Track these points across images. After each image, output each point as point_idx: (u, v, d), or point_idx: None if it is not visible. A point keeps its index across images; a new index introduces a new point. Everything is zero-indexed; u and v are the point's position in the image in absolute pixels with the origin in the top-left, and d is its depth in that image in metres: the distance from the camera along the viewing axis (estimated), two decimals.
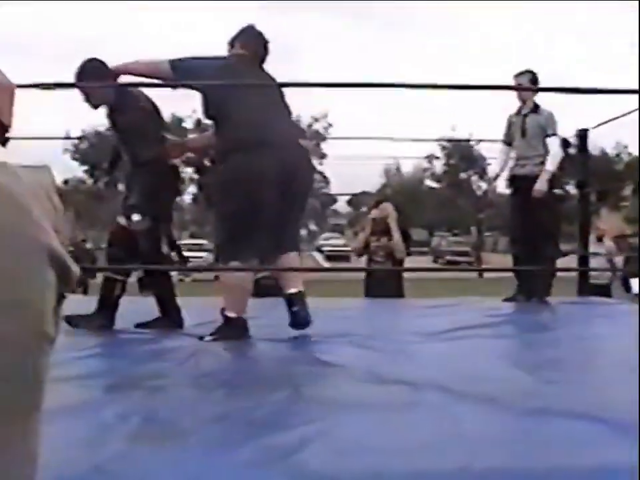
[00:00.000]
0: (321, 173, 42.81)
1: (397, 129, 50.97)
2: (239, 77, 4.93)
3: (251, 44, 5.18)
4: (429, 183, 53.39)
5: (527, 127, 7.52)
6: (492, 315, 5.93)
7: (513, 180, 7.62)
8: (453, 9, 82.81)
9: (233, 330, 4.73)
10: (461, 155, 46.76)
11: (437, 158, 48.34)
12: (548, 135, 7.41)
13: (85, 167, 41.73)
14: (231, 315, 4.77)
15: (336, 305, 7.08)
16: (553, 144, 7.36)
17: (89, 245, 24.05)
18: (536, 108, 7.54)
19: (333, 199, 46.22)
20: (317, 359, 3.98)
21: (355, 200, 54.57)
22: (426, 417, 2.73)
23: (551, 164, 7.31)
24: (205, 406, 2.88)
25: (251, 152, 4.69)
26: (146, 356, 4.17)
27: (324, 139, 41.04)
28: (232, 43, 5.20)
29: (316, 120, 41.85)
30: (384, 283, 8.57)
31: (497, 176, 7.99)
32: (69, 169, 44.98)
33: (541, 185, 7.20)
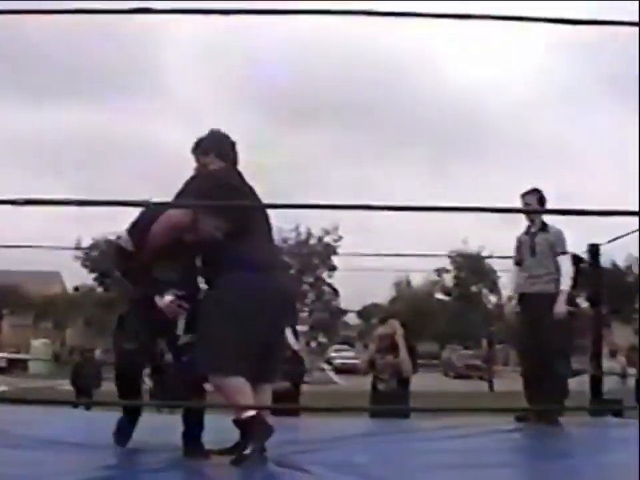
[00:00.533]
0: (330, 285, 42.81)
1: (407, 241, 51.18)
2: (242, 193, 4.82)
3: (228, 153, 5.08)
4: (439, 295, 53.28)
5: (537, 246, 7.39)
6: (502, 440, 5.70)
7: (523, 298, 7.45)
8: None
9: (257, 431, 4.48)
10: (472, 268, 46.77)
11: (447, 271, 48.35)
12: (558, 254, 7.28)
13: (95, 275, 41.79)
14: (244, 416, 4.51)
15: (336, 429, 6.83)
16: (564, 262, 7.23)
17: (97, 353, 23.95)
18: (544, 226, 7.43)
19: (342, 311, 46.10)
20: None
21: (365, 312, 54.65)
22: None
23: (565, 283, 7.16)
24: None
25: (263, 273, 4.66)
26: None
27: (334, 251, 41.09)
28: (205, 151, 5.05)
29: (327, 232, 41.99)
30: (389, 403, 8.33)
31: (511, 297, 7.83)
32: (79, 276, 45.13)
33: (560, 308, 7.05)
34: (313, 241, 42.25)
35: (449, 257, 46.06)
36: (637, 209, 2.73)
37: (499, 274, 43.38)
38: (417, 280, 61.30)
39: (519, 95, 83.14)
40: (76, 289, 47.64)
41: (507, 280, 8.28)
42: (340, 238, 41.67)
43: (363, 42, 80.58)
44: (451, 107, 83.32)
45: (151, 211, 4.79)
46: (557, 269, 7.22)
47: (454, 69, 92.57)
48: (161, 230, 4.65)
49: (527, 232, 7.54)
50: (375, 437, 6.27)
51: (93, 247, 40.05)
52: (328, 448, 5.05)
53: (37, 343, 53.00)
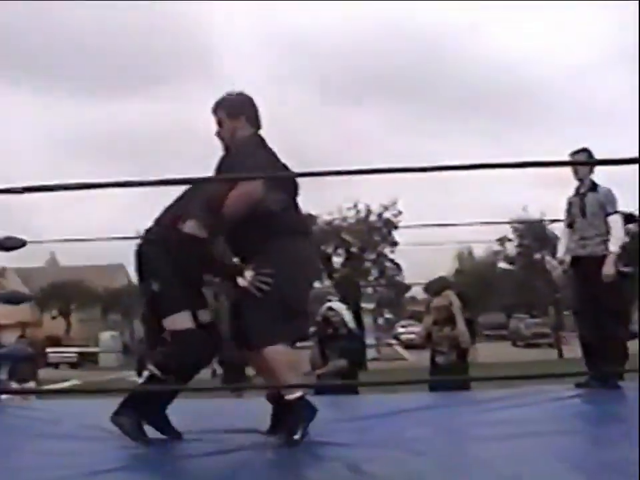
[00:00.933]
0: (392, 261, 42.60)
1: (467, 212, 50.78)
2: (280, 163, 4.77)
3: (258, 118, 4.96)
4: (503, 265, 52.81)
5: (586, 207, 7.21)
6: (562, 407, 5.59)
7: (576, 261, 7.28)
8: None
9: (302, 414, 4.42)
10: (534, 235, 46.22)
11: (510, 240, 47.85)
12: (608, 214, 7.08)
13: None
14: (293, 397, 4.44)
15: (394, 402, 6.76)
16: (615, 222, 7.04)
17: None
18: (594, 186, 7.23)
19: (406, 286, 45.85)
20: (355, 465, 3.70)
21: (432, 286, 54.19)
22: None
23: (615, 244, 6.97)
24: None
25: (304, 238, 4.77)
26: None
27: (395, 226, 40.88)
28: (233, 114, 4.86)
29: (386, 208, 41.71)
30: (449, 375, 8.23)
31: (562, 261, 7.60)
32: None
33: (608, 269, 6.85)
34: (372, 218, 41.97)
35: (510, 225, 45.62)
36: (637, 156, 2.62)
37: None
38: (479, 251, 61.04)
39: (577, 59, 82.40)
40: None
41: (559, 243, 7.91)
42: (399, 213, 41.37)
43: (417, 14, 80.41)
44: (507, 75, 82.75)
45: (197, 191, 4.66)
46: (608, 231, 7.04)
47: (509, 37, 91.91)
48: (241, 204, 4.43)
49: (577, 193, 7.35)
50: (433, 410, 6.18)
51: None
52: (385, 424, 4.97)
53: (106, 336, 53.66)
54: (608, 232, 7.01)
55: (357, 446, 4.36)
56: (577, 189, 7.36)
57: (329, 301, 9.67)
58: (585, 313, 7.24)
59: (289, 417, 4.44)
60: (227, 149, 4.77)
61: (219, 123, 4.87)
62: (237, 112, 4.84)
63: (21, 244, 7.85)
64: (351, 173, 2.84)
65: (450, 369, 8.28)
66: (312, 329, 8.70)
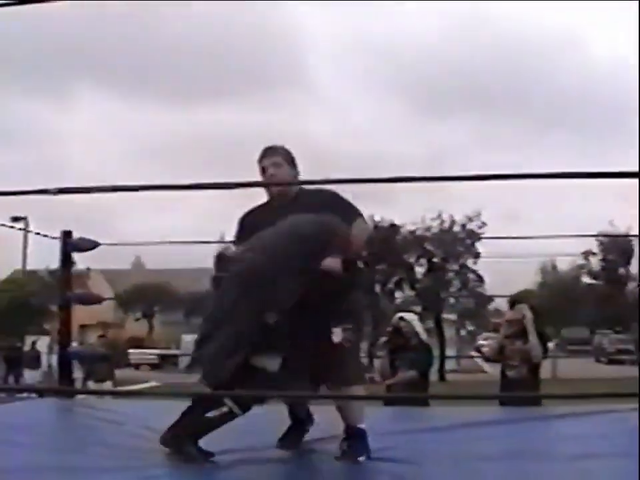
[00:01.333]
0: (475, 272, 42.28)
1: (552, 225, 50.16)
2: None
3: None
4: (587, 279, 52.08)
5: None
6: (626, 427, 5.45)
7: None
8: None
9: (366, 444, 4.50)
10: (619, 249, 45.53)
11: (594, 254, 47.18)
12: None
13: None
14: (362, 426, 4.53)
15: (463, 416, 6.67)
16: None
17: None
18: None
19: (488, 298, 45.45)
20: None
21: (515, 299, 53.64)
22: None
23: None
24: None
25: None
26: None
27: (479, 238, 40.58)
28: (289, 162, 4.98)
29: (470, 219, 41.43)
30: (520, 389, 8.10)
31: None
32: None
33: None
34: (456, 228, 41.74)
35: (596, 239, 45.03)
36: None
37: None
38: (563, 265, 60.22)
39: None
40: None
41: None
42: (484, 224, 41.04)
43: (506, 25, 79.80)
44: (597, 88, 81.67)
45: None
46: None
47: (600, 50, 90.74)
48: (361, 245, 4.69)
49: None
50: (498, 424, 6.07)
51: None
52: (453, 438, 4.93)
53: (188, 338, 54.22)
54: None
55: (418, 458, 4.35)
56: None
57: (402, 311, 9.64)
58: None
59: (359, 443, 4.49)
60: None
61: (275, 169, 4.92)
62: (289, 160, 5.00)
63: (94, 245, 7.94)
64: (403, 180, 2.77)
65: (520, 384, 8.15)
66: (383, 339, 8.68)
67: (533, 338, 8.17)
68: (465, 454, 4.49)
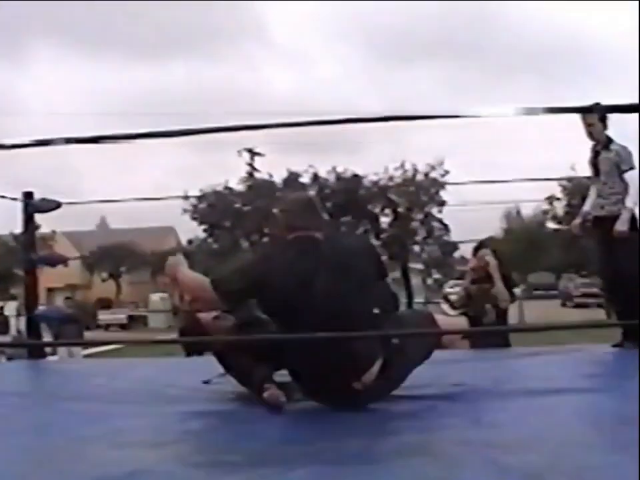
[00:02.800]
0: (440, 221, 42.39)
1: (514, 172, 50.19)
2: None
3: None
4: (551, 224, 52.34)
5: (600, 165, 7.06)
6: (592, 365, 5.56)
7: (596, 222, 7.16)
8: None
9: None
10: (583, 194, 45.81)
11: (558, 199, 47.36)
12: (623, 171, 6.88)
13: (204, 227, 42.17)
14: None
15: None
16: (631, 179, 6.83)
17: None
18: (608, 143, 7.04)
19: (454, 246, 45.63)
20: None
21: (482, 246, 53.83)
22: None
23: (630, 201, 6.79)
24: None
25: None
26: None
27: (442, 186, 40.63)
28: None
29: (433, 167, 41.41)
30: (489, 333, 8.19)
31: (585, 215, 7.45)
32: (190, 229, 45.67)
33: (620, 225, 6.73)
34: (419, 177, 41.71)
35: (559, 184, 45.17)
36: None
37: None
38: (528, 210, 60.52)
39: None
40: (189, 242, 48.23)
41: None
42: (446, 172, 41.05)
43: None
44: (554, 32, 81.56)
45: None
46: (626, 189, 6.85)
47: None
48: None
49: (594, 151, 7.18)
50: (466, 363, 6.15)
51: (201, 198, 40.31)
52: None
53: (155, 298, 54.26)
54: (626, 190, 6.84)
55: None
56: (593, 147, 7.19)
57: None
58: (607, 276, 7.18)
59: None
60: None
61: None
62: None
63: (56, 205, 7.91)
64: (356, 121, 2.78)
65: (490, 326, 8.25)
66: None
67: (498, 283, 8.25)
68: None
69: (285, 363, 4.33)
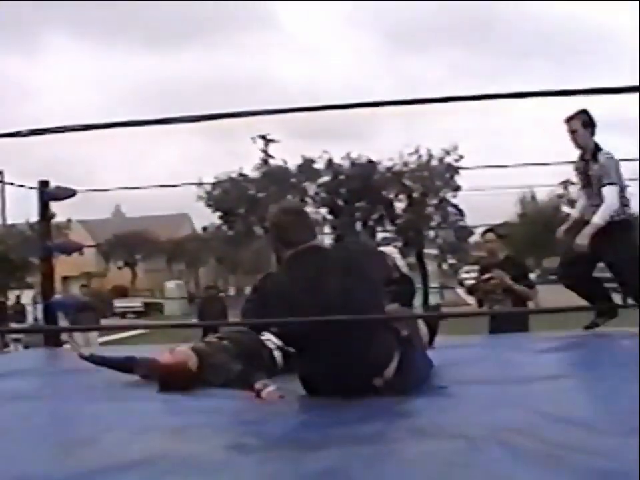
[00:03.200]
0: (455, 206, 42.31)
1: (530, 157, 50.11)
2: None
3: None
4: (566, 209, 52.15)
5: (590, 176, 6.91)
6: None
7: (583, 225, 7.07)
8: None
9: None
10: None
11: (573, 183, 47.21)
12: (603, 185, 6.73)
13: (219, 214, 42.16)
14: None
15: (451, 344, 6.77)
16: (607, 194, 6.69)
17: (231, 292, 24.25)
18: (595, 154, 6.88)
19: (469, 231, 45.55)
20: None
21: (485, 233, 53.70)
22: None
23: (600, 216, 6.68)
24: None
25: None
26: None
27: (457, 171, 40.56)
28: None
29: (447, 153, 41.32)
30: (507, 318, 8.16)
31: (576, 220, 7.38)
32: (205, 216, 45.71)
33: (581, 239, 6.73)
34: (434, 163, 41.61)
35: (575, 168, 45.05)
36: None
37: (626, 182, 42.18)
38: (543, 195, 60.31)
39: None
40: (204, 229, 48.32)
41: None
42: (461, 157, 40.93)
43: None
44: (569, 16, 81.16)
45: None
46: (600, 203, 6.74)
47: None
48: None
49: (581, 158, 7.04)
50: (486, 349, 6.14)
51: (215, 185, 40.33)
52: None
53: (171, 285, 54.42)
54: (599, 204, 6.74)
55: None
56: (581, 155, 7.06)
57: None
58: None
59: None
60: None
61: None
62: None
63: (71, 193, 7.94)
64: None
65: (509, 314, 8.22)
66: None
67: (496, 270, 8.20)
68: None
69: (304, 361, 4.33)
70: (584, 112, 6.84)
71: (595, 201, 6.86)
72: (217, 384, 4.51)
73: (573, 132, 6.94)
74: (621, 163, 6.99)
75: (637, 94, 2.66)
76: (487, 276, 8.32)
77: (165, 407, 4.11)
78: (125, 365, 5.00)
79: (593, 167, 6.86)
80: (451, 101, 2.84)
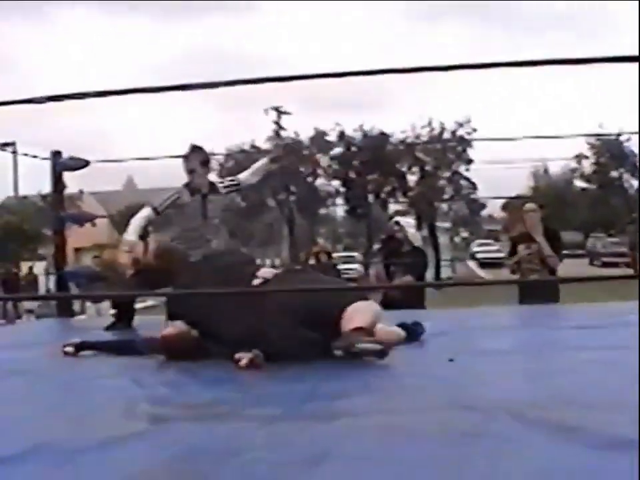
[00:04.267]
0: (467, 179, 42.21)
1: (542, 128, 49.92)
2: None
3: None
4: (579, 183, 51.99)
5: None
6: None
7: None
8: None
9: None
10: (611, 152, 45.41)
11: (586, 157, 47.06)
12: None
13: None
14: None
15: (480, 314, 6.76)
16: None
17: None
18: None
19: (481, 205, 45.45)
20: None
21: (509, 205, 53.73)
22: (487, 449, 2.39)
23: None
24: None
25: None
26: None
27: (469, 143, 40.47)
28: None
29: (460, 125, 41.16)
30: (538, 290, 8.08)
31: None
32: None
33: None
34: (446, 135, 41.46)
35: (587, 142, 44.87)
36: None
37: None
38: (556, 168, 60.02)
39: None
40: None
41: None
42: (474, 130, 40.78)
43: None
44: None
45: None
46: None
47: None
48: None
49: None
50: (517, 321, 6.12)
51: (228, 157, 40.32)
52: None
53: None
54: None
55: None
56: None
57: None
58: None
59: None
60: None
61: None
62: None
63: (84, 164, 7.94)
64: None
65: (538, 285, 8.14)
66: (378, 245, 8.73)
67: (543, 243, 8.10)
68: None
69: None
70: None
71: None
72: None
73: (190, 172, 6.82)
74: None
75: (637, 64, 2.62)
76: (529, 250, 8.21)
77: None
78: (123, 347, 5.01)
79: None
80: (460, 69, 2.81)
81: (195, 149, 6.71)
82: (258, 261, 5.16)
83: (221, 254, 5.13)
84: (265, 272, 4.71)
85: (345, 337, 4.04)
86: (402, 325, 4.82)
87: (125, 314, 6.64)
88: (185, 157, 6.76)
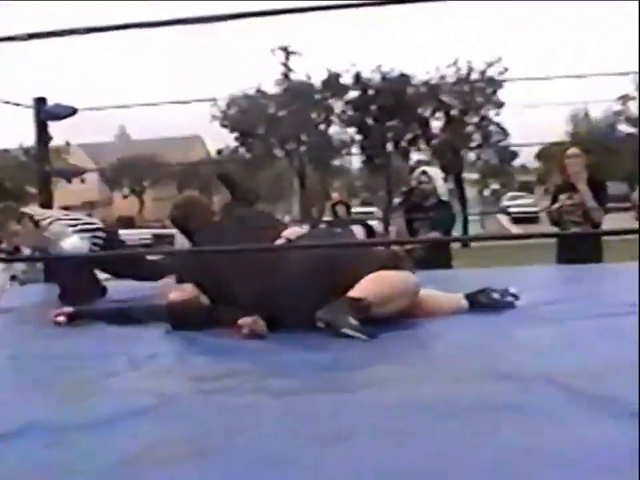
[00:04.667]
0: (498, 125, 41.95)
1: (582, 66, 49.57)
2: None
3: None
4: (624, 128, 51.66)
5: None
6: None
7: None
8: None
9: None
10: None
11: (632, 99, 46.72)
12: None
13: (236, 134, 42.04)
14: None
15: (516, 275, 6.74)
16: None
17: None
18: None
19: (513, 153, 45.18)
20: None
21: (545, 153, 53.32)
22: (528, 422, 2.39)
23: None
24: None
25: None
26: None
27: (500, 85, 40.16)
28: None
29: (489, 65, 40.80)
30: (578, 247, 8.04)
31: None
32: (220, 138, 45.69)
33: None
34: (474, 76, 41.17)
35: (633, 81, 44.53)
36: None
37: None
38: (597, 112, 59.71)
39: None
40: (219, 152, 48.27)
41: None
42: (505, 70, 40.44)
43: None
44: None
45: None
46: None
47: None
48: None
49: None
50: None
51: (231, 103, 40.27)
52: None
53: None
54: None
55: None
56: None
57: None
58: None
59: None
60: None
61: None
62: None
63: (71, 111, 7.91)
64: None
65: (580, 242, 8.08)
66: (398, 200, 8.68)
67: (585, 190, 8.05)
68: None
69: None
70: None
71: None
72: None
73: None
74: None
75: (637, 2, 2.59)
76: (570, 201, 8.18)
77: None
78: (124, 316, 5.03)
79: None
80: None
81: None
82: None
83: (245, 215, 5.10)
84: (290, 232, 4.71)
85: (333, 307, 4.06)
86: (484, 291, 4.78)
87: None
88: None
